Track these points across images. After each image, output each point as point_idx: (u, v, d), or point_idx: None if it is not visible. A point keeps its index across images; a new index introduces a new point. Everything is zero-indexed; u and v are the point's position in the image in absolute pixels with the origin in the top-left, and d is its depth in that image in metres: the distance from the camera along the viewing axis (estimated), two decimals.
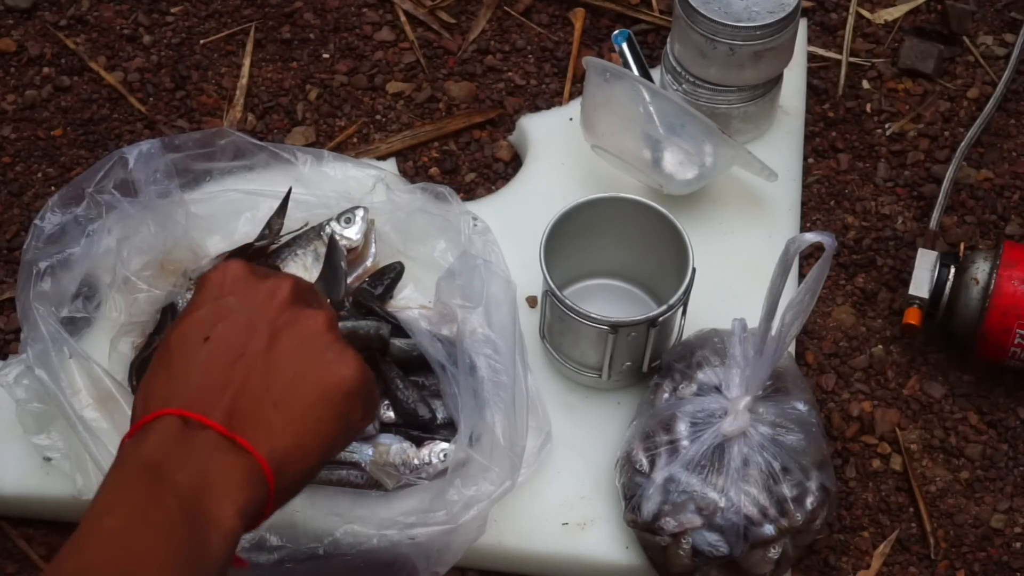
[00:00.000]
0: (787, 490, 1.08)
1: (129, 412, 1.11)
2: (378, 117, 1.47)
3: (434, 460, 1.14)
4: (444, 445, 1.14)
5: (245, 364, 0.80)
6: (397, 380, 1.18)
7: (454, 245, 1.24)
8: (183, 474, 0.75)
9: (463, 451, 1.09)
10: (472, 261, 1.19)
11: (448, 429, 1.16)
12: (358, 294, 1.25)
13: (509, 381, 1.13)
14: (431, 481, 1.12)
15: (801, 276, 1.31)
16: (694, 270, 1.15)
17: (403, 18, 1.55)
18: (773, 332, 1.04)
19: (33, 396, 1.15)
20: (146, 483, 0.75)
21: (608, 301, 1.26)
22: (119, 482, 0.76)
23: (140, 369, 1.21)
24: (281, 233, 1.28)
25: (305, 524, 1.09)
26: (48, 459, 1.16)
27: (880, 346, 1.31)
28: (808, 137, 1.44)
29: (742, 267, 1.29)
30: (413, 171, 1.42)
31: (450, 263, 1.22)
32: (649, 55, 1.47)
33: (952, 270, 1.26)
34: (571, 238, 1.20)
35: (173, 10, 1.56)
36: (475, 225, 1.24)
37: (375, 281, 1.26)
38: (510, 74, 1.50)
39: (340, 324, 1.21)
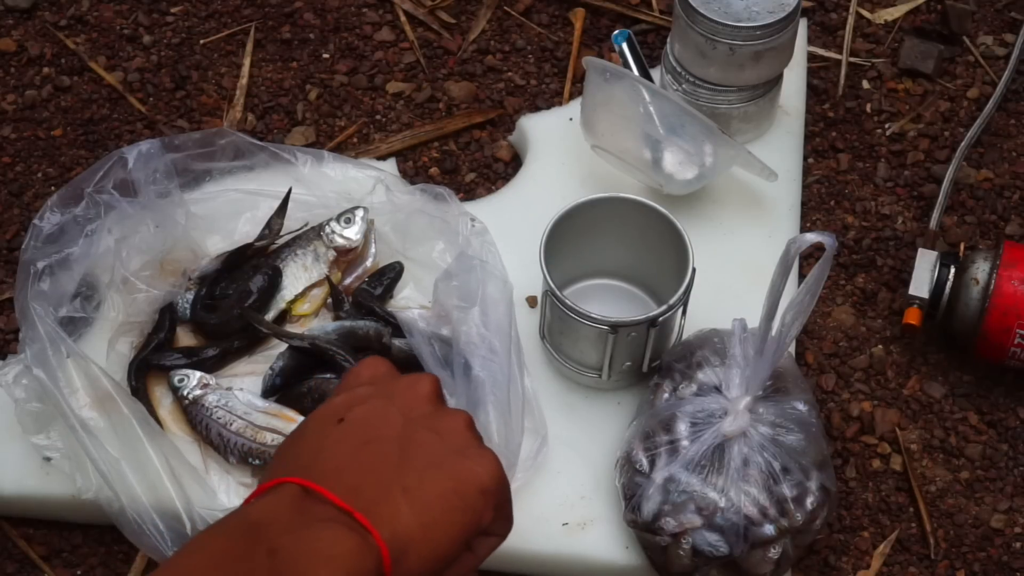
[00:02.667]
0: (787, 490, 1.08)
1: (126, 411, 1.11)
2: (378, 117, 1.47)
3: None
4: None
5: (377, 447, 0.78)
6: None
7: (453, 246, 1.24)
8: (287, 537, 0.72)
9: None
10: (469, 262, 1.19)
11: None
12: (358, 294, 1.25)
13: (504, 381, 1.13)
14: None
15: (801, 276, 1.31)
16: (694, 270, 1.15)
17: (403, 18, 1.55)
18: (773, 332, 1.04)
19: (32, 396, 1.15)
20: (245, 536, 0.72)
21: (608, 301, 1.26)
22: (221, 529, 0.74)
23: (139, 369, 1.21)
24: (281, 233, 1.29)
25: None
26: (48, 459, 1.16)
27: (880, 346, 1.31)
28: (808, 137, 1.44)
29: (742, 267, 1.29)
30: (413, 171, 1.42)
31: (448, 264, 1.22)
32: (649, 55, 1.47)
33: (952, 270, 1.26)
34: (571, 238, 1.20)
35: (173, 10, 1.56)
36: (473, 226, 1.24)
37: (375, 281, 1.26)
38: (510, 74, 1.50)
39: (339, 324, 1.22)
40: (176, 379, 1.19)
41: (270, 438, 1.16)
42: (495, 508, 0.80)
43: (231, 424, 1.17)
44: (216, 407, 1.18)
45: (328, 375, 1.20)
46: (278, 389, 1.20)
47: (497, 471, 0.80)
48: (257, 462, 1.16)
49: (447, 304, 1.18)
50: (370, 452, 0.78)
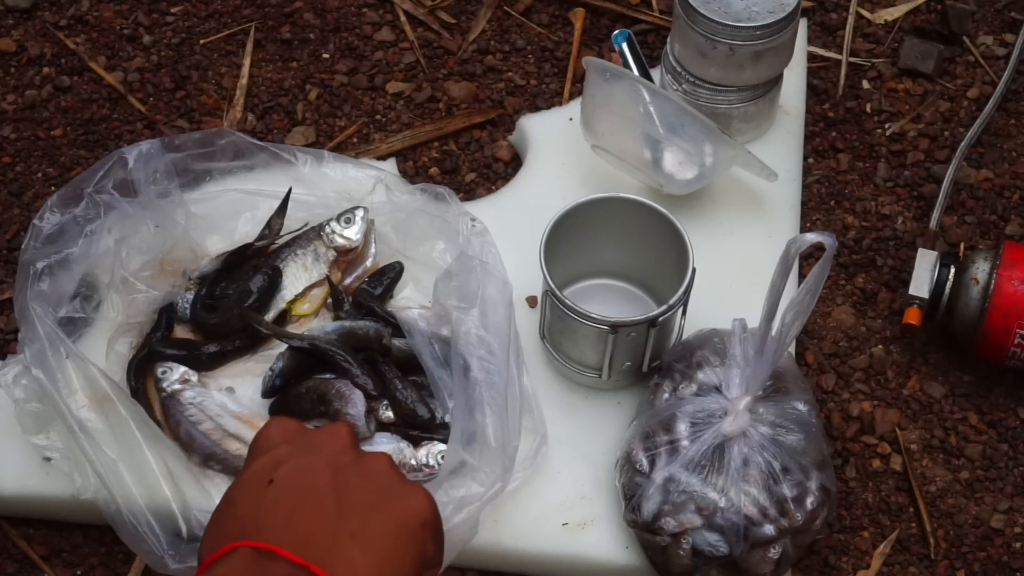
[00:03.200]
0: (787, 490, 1.08)
1: (124, 412, 1.11)
2: (378, 117, 1.47)
3: (431, 461, 1.14)
4: (441, 447, 1.14)
5: (314, 500, 0.79)
6: (396, 380, 1.18)
7: (453, 246, 1.24)
8: None
9: (456, 453, 1.09)
10: (469, 262, 1.19)
11: (447, 429, 1.16)
12: (358, 294, 1.25)
13: (502, 382, 1.12)
14: (424, 483, 1.12)
15: (801, 276, 1.31)
16: (694, 270, 1.15)
17: (403, 18, 1.55)
18: (773, 332, 1.04)
19: (31, 396, 1.15)
20: None
21: (608, 301, 1.26)
22: None
23: (137, 370, 1.21)
24: (281, 233, 1.29)
25: None
26: (48, 459, 1.16)
27: (880, 346, 1.31)
28: (808, 137, 1.44)
29: (742, 267, 1.29)
30: (413, 171, 1.42)
31: (448, 264, 1.22)
32: (649, 55, 1.47)
33: (952, 270, 1.26)
34: (571, 238, 1.20)
35: (173, 10, 1.56)
36: (473, 226, 1.24)
37: (375, 281, 1.26)
38: (510, 74, 1.50)
39: (339, 324, 1.22)
40: (159, 370, 1.20)
41: (235, 447, 1.16)
42: (434, 540, 0.82)
43: (201, 424, 1.17)
44: (190, 404, 1.18)
45: (328, 375, 1.20)
46: (278, 390, 1.20)
47: (431, 504, 0.82)
48: (217, 467, 1.16)
49: (447, 304, 1.18)
50: (308, 506, 0.78)
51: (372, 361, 1.19)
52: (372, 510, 0.79)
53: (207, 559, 0.76)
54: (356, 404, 1.17)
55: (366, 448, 1.11)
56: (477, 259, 1.20)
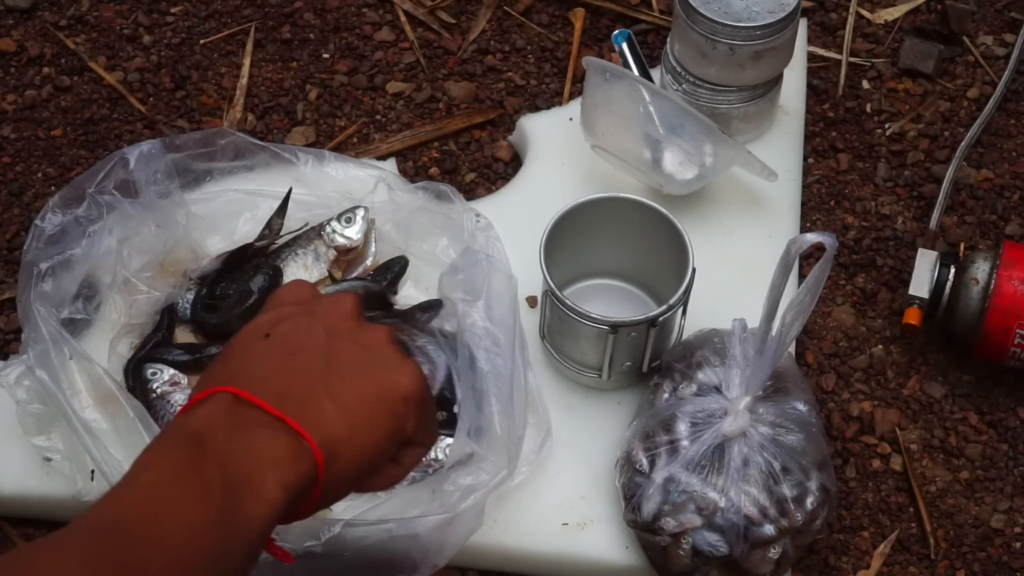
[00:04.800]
0: (787, 490, 1.08)
1: (131, 413, 1.11)
2: (378, 117, 1.47)
3: (438, 455, 1.14)
4: (448, 440, 1.14)
5: (302, 357, 0.81)
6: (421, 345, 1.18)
7: (456, 242, 1.24)
8: (228, 444, 0.75)
9: (463, 443, 1.09)
10: (475, 256, 1.19)
11: (452, 425, 1.16)
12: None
13: (508, 373, 1.13)
14: (431, 476, 1.12)
15: (801, 276, 1.31)
16: (694, 270, 1.15)
17: (403, 18, 1.55)
18: (773, 332, 1.04)
19: (34, 397, 1.15)
20: (189, 447, 0.75)
21: (608, 301, 1.26)
22: (161, 445, 0.77)
23: (136, 370, 1.21)
24: (281, 233, 1.29)
25: (304, 522, 1.08)
26: (48, 459, 1.16)
27: (880, 346, 1.31)
28: (808, 137, 1.44)
29: (742, 267, 1.29)
30: (413, 171, 1.42)
31: (453, 259, 1.22)
32: (649, 55, 1.47)
33: (952, 270, 1.26)
34: (571, 238, 1.20)
35: (173, 10, 1.56)
36: (477, 221, 1.24)
37: (379, 275, 1.26)
38: (510, 74, 1.50)
39: (334, 287, 1.22)
40: (149, 371, 1.20)
41: None
42: (417, 416, 0.83)
43: None
44: (180, 406, 1.18)
45: None
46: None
47: (418, 379, 0.83)
48: None
49: (452, 297, 1.18)
50: (295, 362, 0.80)
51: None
52: (356, 376, 0.81)
53: (190, 400, 0.79)
54: None
55: None
56: (482, 253, 1.20)
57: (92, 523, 0.71)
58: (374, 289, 1.23)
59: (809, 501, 1.09)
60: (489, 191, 1.40)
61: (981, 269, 1.24)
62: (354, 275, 1.28)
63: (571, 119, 1.40)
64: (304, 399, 0.78)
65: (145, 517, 0.71)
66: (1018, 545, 1.20)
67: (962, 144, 1.41)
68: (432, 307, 1.22)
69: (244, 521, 0.73)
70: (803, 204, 1.39)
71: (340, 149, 1.43)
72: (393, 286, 1.26)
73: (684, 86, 1.35)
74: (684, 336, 1.21)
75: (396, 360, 0.83)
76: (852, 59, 1.52)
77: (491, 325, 1.15)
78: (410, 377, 0.82)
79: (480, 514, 1.08)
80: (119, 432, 1.11)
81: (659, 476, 1.09)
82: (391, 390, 0.81)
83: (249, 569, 0.74)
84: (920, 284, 1.26)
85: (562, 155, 1.38)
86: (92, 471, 1.13)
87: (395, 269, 1.27)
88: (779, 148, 1.39)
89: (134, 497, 0.73)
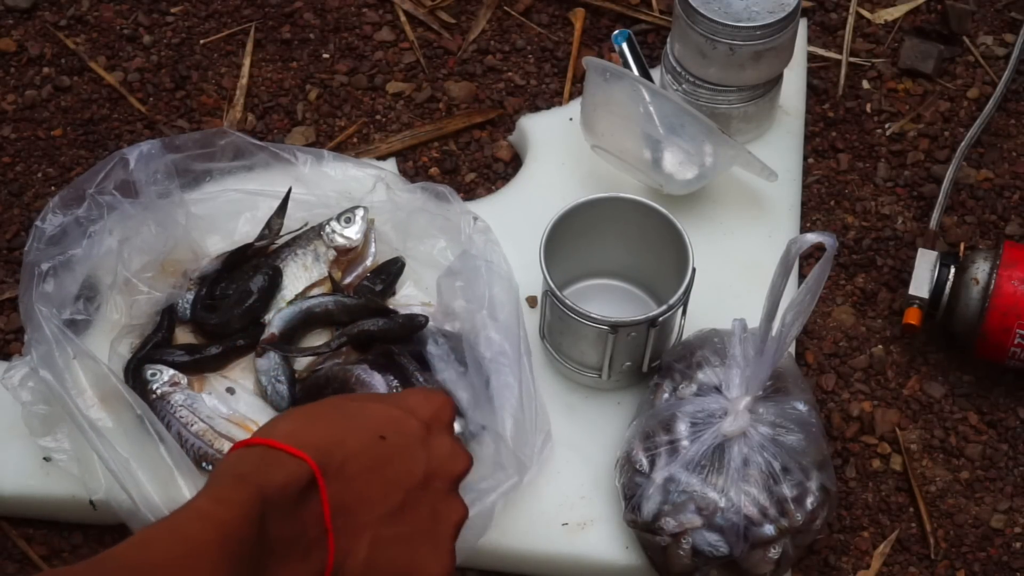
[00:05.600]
0: (787, 490, 1.08)
1: (137, 411, 1.11)
2: (378, 117, 1.47)
3: None
4: None
5: (387, 488, 0.81)
6: (416, 374, 1.18)
7: (454, 243, 1.24)
8: (280, 529, 0.76)
9: (471, 448, 1.09)
10: (473, 261, 1.19)
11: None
12: (359, 291, 1.25)
13: (515, 381, 1.13)
14: None
15: (801, 276, 1.31)
16: (694, 270, 1.15)
17: (403, 18, 1.55)
18: (773, 332, 1.04)
19: (38, 398, 1.15)
20: (251, 517, 0.75)
21: (608, 301, 1.26)
22: (230, 498, 0.76)
23: (136, 371, 1.20)
24: (281, 233, 1.29)
25: None
26: (48, 459, 1.16)
27: (880, 346, 1.31)
28: (808, 137, 1.44)
29: (742, 267, 1.29)
30: (413, 171, 1.42)
31: (450, 262, 1.22)
32: (649, 55, 1.47)
33: (952, 270, 1.26)
34: (571, 238, 1.20)
35: (173, 10, 1.56)
36: (476, 223, 1.24)
37: (376, 277, 1.26)
38: (510, 74, 1.50)
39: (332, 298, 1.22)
40: (148, 372, 1.19)
41: (227, 447, 1.16)
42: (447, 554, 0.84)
43: (192, 425, 1.17)
44: (181, 406, 1.18)
45: (350, 366, 1.19)
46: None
47: (448, 572, 0.84)
48: (209, 467, 1.16)
49: (453, 305, 1.18)
50: (379, 487, 0.80)
51: (389, 355, 1.19)
52: (406, 542, 0.81)
53: (279, 443, 0.78)
54: (377, 390, 1.17)
55: None
56: (482, 259, 1.20)
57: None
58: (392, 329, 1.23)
59: (809, 501, 1.09)
60: (489, 191, 1.40)
61: (981, 269, 1.24)
62: (353, 275, 1.28)
63: (571, 119, 1.40)
64: (356, 525, 0.79)
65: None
66: (1018, 545, 1.20)
67: (962, 144, 1.41)
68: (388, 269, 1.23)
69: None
70: (803, 204, 1.39)
71: (340, 149, 1.43)
72: (390, 288, 1.26)
73: (684, 86, 1.35)
74: (684, 336, 1.21)
75: (445, 549, 0.84)
76: (852, 59, 1.52)
77: (496, 335, 1.15)
78: (444, 569, 0.83)
79: (489, 520, 1.08)
80: (125, 430, 1.11)
81: (659, 476, 1.09)
82: (420, 572, 0.83)
83: None
84: (920, 284, 1.26)
85: (562, 155, 1.38)
86: (91, 501, 1.14)
87: (392, 271, 1.27)
88: (779, 148, 1.39)
89: (164, 554, 0.73)
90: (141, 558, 0.71)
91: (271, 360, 1.20)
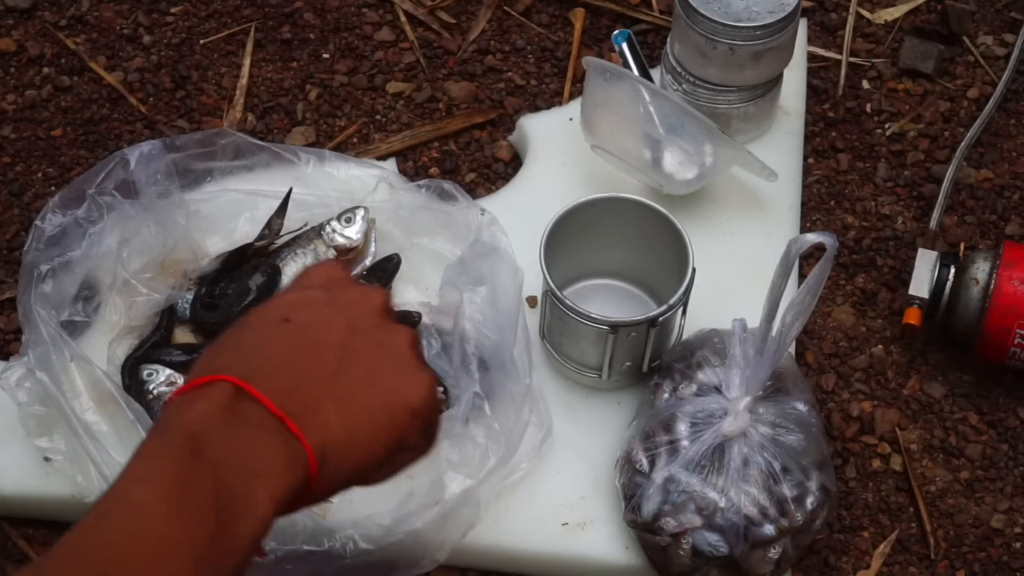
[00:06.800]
0: (787, 490, 1.08)
1: (130, 415, 1.11)
2: (378, 117, 1.47)
3: None
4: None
5: (317, 353, 0.78)
6: None
7: (458, 240, 1.24)
8: (223, 450, 0.72)
9: (458, 429, 1.09)
10: (482, 247, 1.20)
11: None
12: None
13: (509, 364, 1.13)
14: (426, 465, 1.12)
15: (801, 276, 1.31)
16: (694, 270, 1.15)
17: (403, 18, 1.55)
18: (773, 332, 1.04)
19: (35, 399, 1.15)
20: (185, 456, 0.72)
21: (608, 301, 1.26)
22: (156, 450, 0.74)
23: (132, 370, 1.20)
24: (281, 233, 1.29)
25: (301, 522, 1.09)
26: (48, 459, 1.16)
27: (880, 346, 1.31)
28: (808, 137, 1.44)
29: (742, 267, 1.29)
30: (413, 171, 1.42)
31: (458, 255, 1.22)
32: (649, 55, 1.47)
33: (952, 270, 1.26)
34: (571, 238, 1.20)
35: (173, 10, 1.56)
36: (483, 216, 1.24)
37: (372, 275, 1.26)
38: (510, 74, 1.50)
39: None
40: (145, 372, 1.19)
41: None
42: (422, 428, 0.81)
43: None
44: None
45: None
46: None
47: (429, 393, 0.80)
48: None
49: (457, 282, 1.18)
50: (309, 357, 0.78)
51: None
52: (367, 382, 0.78)
53: (192, 382, 0.76)
54: None
55: None
56: (490, 244, 1.20)
57: (76, 567, 0.69)
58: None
59: (809, 501, 1.09)
60: (489, 191, 1.40)
61: (981, 269, 1.24)
62: (353, 275, 1.28)
63: (571, 119, 1.40)
64: (309, 400, 0.76)
65: (134, 548, 0.69)
66: (1018, 545, 1.20)
67: (962, 144, 1.41)
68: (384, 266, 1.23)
69: (235, 540, 0.71)
70: (803, 204, 1.39)
71: (340, 149, 1.43)
72: (387, 285, 1.27)
73: (684, 86, 1.35)
74: (684, 336, 1.21)
75: (412, 369, 0.81)
76: (852, 59, 1.52)
77: (495, 314, 1.15)
78: (421, 390, 0.80)
79: (476, 508, 1.08)
80: (119, 434, 1.11)
81: (659, 476, 1.09)
82: (400, 401, 0.79)
83: None
84: (920, 284, 1.26)
85: (562, 155, 1.38)
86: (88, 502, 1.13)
87: (388, 268, 1.27)
88: (779, 148, 1.39)
89: (124, 520, 0.70)
90: (100, 549, 0.70)
91: None
